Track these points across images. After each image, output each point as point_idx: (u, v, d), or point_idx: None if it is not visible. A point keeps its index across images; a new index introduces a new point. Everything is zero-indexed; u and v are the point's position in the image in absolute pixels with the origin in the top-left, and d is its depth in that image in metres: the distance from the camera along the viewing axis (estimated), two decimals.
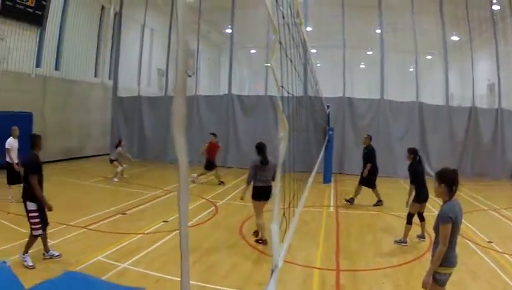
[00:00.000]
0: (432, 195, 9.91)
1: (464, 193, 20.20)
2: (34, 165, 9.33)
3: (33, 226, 9.24)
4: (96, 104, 31.62)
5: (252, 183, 11.37)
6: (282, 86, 4.27)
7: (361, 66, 36.86)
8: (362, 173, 17.08)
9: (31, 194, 9.24)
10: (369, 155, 17.07)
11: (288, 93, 5.48)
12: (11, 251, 9.82)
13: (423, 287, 6.09)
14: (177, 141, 1.86)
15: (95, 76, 32.19)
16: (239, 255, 10.54)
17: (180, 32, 1.91)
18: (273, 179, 10.70)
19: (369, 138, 17.71)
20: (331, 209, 16.80)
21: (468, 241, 12.20)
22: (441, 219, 6.06)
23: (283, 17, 4.37)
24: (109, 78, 32.91)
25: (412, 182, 12.21)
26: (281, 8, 4.17)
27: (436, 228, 6.22)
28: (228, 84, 28.93)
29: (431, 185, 7.26)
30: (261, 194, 11.32)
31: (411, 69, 28.87)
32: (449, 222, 5.99)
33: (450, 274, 6.22)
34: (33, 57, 25.93)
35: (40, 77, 26.42)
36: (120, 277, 8.66)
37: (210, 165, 21.62)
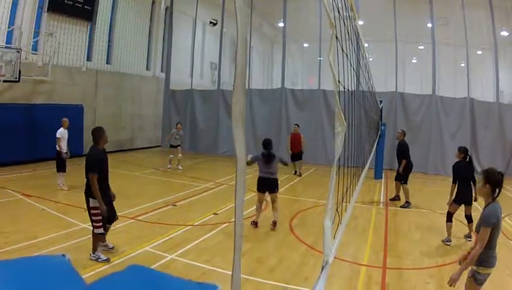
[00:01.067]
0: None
1: (510, 193, 19.86)
2: (93, 161, 9.06)
3: (94, 224, 9.09)
4: (148, 96, 31.98)
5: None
6: (339, 81, 4.32)
7: (413, 61, 36.52)
8: (398, 169, 16.96)
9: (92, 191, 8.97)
10: (402, 151, 16.80)
11: (344, 88, 5.54)
12: (57, 240, 10.16)
13: (449, 283, 6.07)
14: (236, 134, 1.93)
15: (147, 69, 32.53)
16: (287, 249, 10.59)
17: (240, 28, 1.97)
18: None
19: (403, 133, 17.34)
20: (381, 205, 16.69)
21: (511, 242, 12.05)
22: (484, 222, 5.97)
23: (338, 12, 4.41)
24: (161, 71, 33.23)
25: (454, 181, 11.97)
26: (336, 2, 4.21)
27: (478, 229, 6.17)
28: (282, 78, 28.86)
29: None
30: (262, 185, 12.32)
31: (462, 64, 28.45)
32: (490, 226, 5.92)
33: (489, 274, 6.14)
34: (84, 51, 26.45)
35: (91, 71, 26.93)
36: (167, 268, 8.79)
37: (294, 157, 22.26)
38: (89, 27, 26.61)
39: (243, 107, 2.01)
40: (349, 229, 12.25)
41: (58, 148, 16.05)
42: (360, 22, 27.51)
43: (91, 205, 9.04)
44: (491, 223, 5.90)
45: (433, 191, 16.89)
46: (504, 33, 29.33)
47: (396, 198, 17.08)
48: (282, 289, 8.16)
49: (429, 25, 28.02)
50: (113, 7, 28.52)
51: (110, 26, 28.58)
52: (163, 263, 9.15)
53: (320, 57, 27.39)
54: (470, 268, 6.20)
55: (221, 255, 9.65)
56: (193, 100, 30.57)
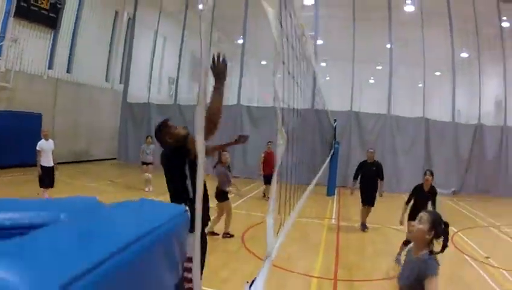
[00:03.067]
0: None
1: (466, 210, 20.61)
2: None
3: None
4: (105, 108, 31.91)
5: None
6: (283, 101, 4.53)
7: (371, 81, 37.07)
8: (373, 193, 15.30)
9: None
10: (380, 171, 15.48)
11: (288, 106, 5.75)
12: None
13: None
14: (198, 144, 2.16)
15: (106, 81, 32.49)
16: (240, 261, 10.74)
17: (204, 52, 2.20)
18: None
19: (374, 152, 16.27)
20: (333, 221, 17.05)
21: (466, 256, 12.47)
22: (433, 272, 4.69)
23: (287, 40, 4.61)
24: (120, 83, 33.20)
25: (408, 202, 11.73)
26: (287, 28, 4.41)
27: (407, 283, 4.96)
28: (238, 94, 29.16)
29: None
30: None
31: (420, 85, 29.14)
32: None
33: None
34: (46, 59, 26.31)
35: (52, 79, 26.77)
36: None
37: (267, 179, 19.53)
38: (52, 35, 26.57)
39: (203, 120, 2.24)
40: (301, 244, 12.62)
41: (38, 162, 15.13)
42: (319, 42, 28.05)
43: None
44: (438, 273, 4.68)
45: (385, 207, 17.21)
46: (464, 54, 30.13)
47: (364, 227, 15.58)
48: None
49: (388, 45, 28.63)
50: (77, 16, 28.46)
51: (73, 35, 28.50)
52: None
53: (278, 73, 27.61)
54: None
55: None
56: (150, 114, 30.55)
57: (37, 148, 15.01)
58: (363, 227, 15.43)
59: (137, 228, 1.06)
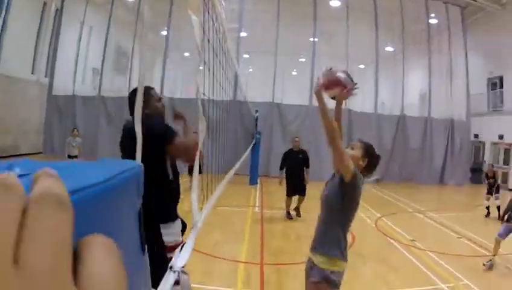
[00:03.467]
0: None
1: (390, 196, 21.32)
2: None
3: None
4: (32, 101, 31.25)
5: None
6: (203, 93, 4.77)
7: (294, 73, 37.50)
8: (302, 180, 15.08)
9: None
10: (307, 159, 15.33)
11: (209, 98, 6.00)
12: None
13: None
14: (137, 132, 2.40)
15: (32, 73, 31.88)
16: None
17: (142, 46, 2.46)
18: None
19: (299, 140, 16.00)
20: (256, 209, 17.34)
21: (391, 240, 13.03)
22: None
23: (208, 41, 4.88)
24: (45, 76, 32.62)
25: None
26: (207, 33, 4.69)
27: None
28: (160, 86, 29.13)
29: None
30: None
31: None
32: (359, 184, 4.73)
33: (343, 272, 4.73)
34: None
35: None
36: None
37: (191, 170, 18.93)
38: None
39: (141, 108, 2.49)
40: (227, 231, 12.93)
41: None
42: (243, 34, 28.28)
43: None
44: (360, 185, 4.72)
45: (312, 196, 17.54)
46: (389, 48, 30.96)
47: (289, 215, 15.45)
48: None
49: (312, 39, 29.12)
50: (7, 7, 27.68)
51: (2, 26, 27.80)
52: None
53: (207, 62, 27.65)
54: (313, 267, 4.75)
55: None
56: (75, 106, 30.13)
57: None
58: (288, 215, 15.30)
59: (97, 174, 1.21)
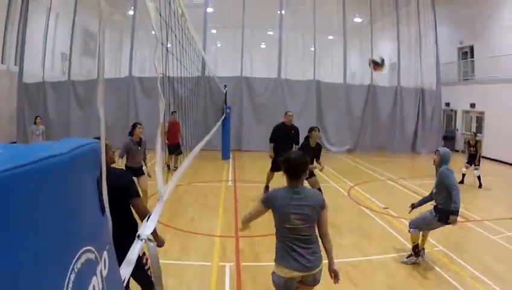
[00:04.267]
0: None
1: (362, 165, 21.56)
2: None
3: None
4: (2, 91, 30.98)
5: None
6: (162, 74, 4.93)
7: (262, 46, 37.50)
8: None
9: None
10: (298, 135, 14.50)
11: (169, 78, 6.11)
12: None
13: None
14: (100, 114, 2.49)
15: (2, 63, 31.49)
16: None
17: (101, 30, 2.53)
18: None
19: (293, 115, 15.31)
20: (230, 183, 17.50)
21: (364, 208, 13.34)
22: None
23: (166, 24, 5.00)
24: (15, 64, 32.26)
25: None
26: (164, 16, 4.79)
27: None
28: (129, 66, 28.99)
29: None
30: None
31: (312, 49, 29.81)
32: None
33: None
34: None
35: None
36: None
37: (172, 149, 17.95)
38: None
39: (103, 91, 2.57)
40: (201, 206, 13.26)
41: None
42: (209, 9, 28.25)
43: None
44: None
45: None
46: (357, 19, 31.15)
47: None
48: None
49: (279, 11, 29.12)
50: None
51: None
52: None
53: (166, 44, 27.48)
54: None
55: None
56: (45, 93, 29.87)
57: None
58: (267, 190, 13.88)
59: (56, 148, 1.28)
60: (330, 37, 33.01)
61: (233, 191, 15.71)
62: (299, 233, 5.26)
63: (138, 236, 2.90)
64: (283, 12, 29.25)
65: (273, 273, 5.35)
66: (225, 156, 23.30)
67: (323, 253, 5.26)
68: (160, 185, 3.85)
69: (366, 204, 13.79)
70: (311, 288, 5.45)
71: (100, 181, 1.64)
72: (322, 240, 5.36)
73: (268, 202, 5.59)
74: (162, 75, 4.32)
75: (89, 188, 1.59)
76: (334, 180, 17.89)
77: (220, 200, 14.41)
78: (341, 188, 16.24)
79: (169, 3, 5.02)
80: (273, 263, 5.40)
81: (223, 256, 9.16)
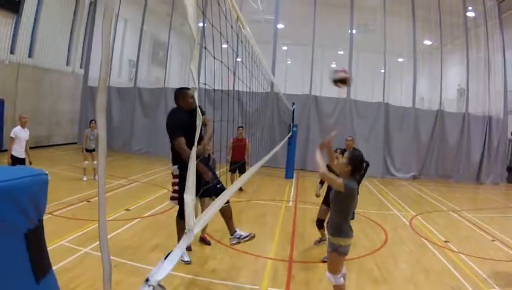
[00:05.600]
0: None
1: (426, 194, 20.96)
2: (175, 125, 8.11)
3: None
4: (66, 92, 31.47)
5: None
6: (204, 84, 4.85)
7: (332, 65, 37.27)
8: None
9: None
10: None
11: (215, 89, 6.01)
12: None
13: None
14: (99, 123, 2.24)
15: (67, 64, 32.06)
16: (195, 244, 10.63)
17: (105, 28, 2.27)
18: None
19: (353, 140, 13.20)
20: (290, 203, 17.13)
21: (424, 240, 12.73)
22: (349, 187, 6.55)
23: (212, 25, 4.76)
24: (80, 67, 32.84)
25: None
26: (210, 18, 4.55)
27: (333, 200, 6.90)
28: (197, 78, 28.96)
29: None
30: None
31: (382, 70, 29.45)
32: (355, 191, 6.71)
33: (350, 245, 6.87)
34: (8, 43, 25.78)
35: (13, 64, 26.26)
36: (81, 261, 8.82)
37: (236, 167, 16.96)
38: (14, 19, 25.96)
39: (105, 99, 2.30)
40: (258, 226, 12.82)
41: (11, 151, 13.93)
42: (280, 26, 28.17)
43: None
44: (354, 190, 6.65)
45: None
46: (427, 42, 30.58)
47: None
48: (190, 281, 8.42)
49: (350, 31, 28.89)
50: (39, 0, 27.75)
51: (35, 19, 27.82)
52: (77, 256, 9.13)
53: (236, 58, 27.49)
54: (329, 243, 6.93)
55: (133, 249, 9.82)
56: (110, 97, 30.10)
57: (11, 135, 13.84)
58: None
59: None
60: (400, 59, 32.52)
61: (293, 213, 15.37)
62: None
63: (147, 280, 2.57)
64: (354, 31, 28.94)
65: (344, 246, 6.73)
66: (288, 175, 23.01)
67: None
68: (188, 217, 3.47)
69: (427, 236, 13.25)
70: None
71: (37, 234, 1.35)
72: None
73: (352, 190, 6.63)
74: (199, 86, 4.03)
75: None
76: (398, 209, 17.42)
77: (278, 220, 14.10)
78: (403, 217, 15.76)
79: (218, 3, 4.87)
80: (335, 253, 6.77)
81: (273, 280, 8.82)
